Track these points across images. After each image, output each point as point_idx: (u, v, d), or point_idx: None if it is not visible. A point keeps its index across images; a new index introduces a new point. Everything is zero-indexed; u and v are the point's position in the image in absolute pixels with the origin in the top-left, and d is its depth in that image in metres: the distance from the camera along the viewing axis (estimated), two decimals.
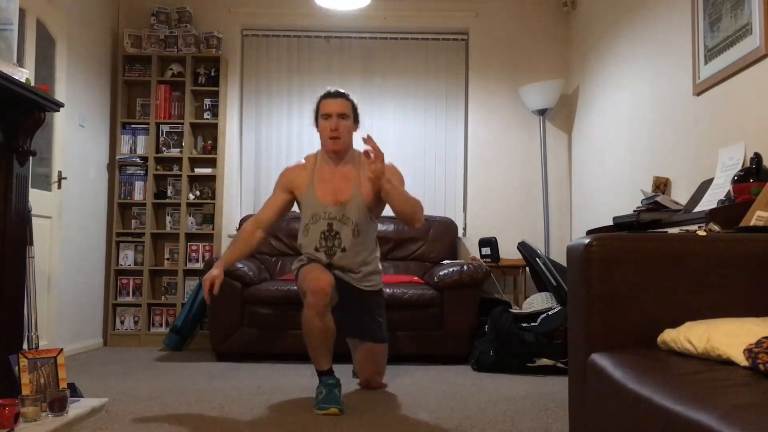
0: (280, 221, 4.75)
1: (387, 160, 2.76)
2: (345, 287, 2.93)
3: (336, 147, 2.91)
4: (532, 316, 3.75)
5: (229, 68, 5.02)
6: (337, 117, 2.90)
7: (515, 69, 5.07)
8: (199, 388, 3.12)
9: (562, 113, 5.04)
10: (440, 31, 5.14)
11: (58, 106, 2.65)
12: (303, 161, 3.06)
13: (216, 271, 2.80)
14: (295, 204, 3.09)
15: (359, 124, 3.03)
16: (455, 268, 4.00)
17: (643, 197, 2.97)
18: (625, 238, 1.70)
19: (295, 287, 3.98)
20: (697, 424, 0.96)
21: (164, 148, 4.89)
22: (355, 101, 3.02)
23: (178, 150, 4.87)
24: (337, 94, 2.95)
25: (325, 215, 2.90)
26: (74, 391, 2.58)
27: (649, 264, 1.60)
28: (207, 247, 4.86)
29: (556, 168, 5.04)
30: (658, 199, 2.86)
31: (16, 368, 2.34)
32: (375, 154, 2.64)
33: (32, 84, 2.52)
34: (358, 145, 2.91)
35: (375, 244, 3.09)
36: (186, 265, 4.82)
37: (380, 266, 3.12)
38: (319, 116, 2.94)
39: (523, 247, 4.26)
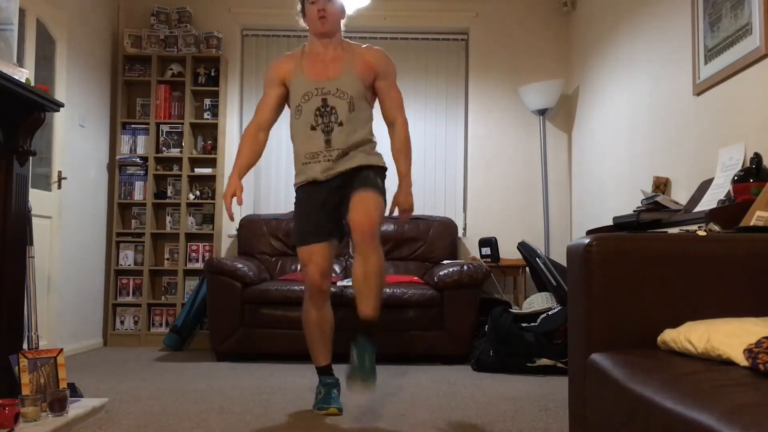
0: (285, 221, 4.76)
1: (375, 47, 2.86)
2: (340, 180, 2.74)
3: (324, 27, 2.78)
4: (532, 316, 3.75)
5: (229, 68, 5.02)
6: (323, 0, 2.78)
7: (515, 69, 5.07)
8: (199, 388, 3.12)
9: (562, 113, 5.04)
10: (440, 31, 5.14)
11: (58, 106, 2.65)
12: (287, 53, 2.97)
13: (233, 182, 2.71)
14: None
15: (345, 13, 2.92)
16: (455, 268, 4.00)
17: (643, 197, 2.97)
18: (625, 238, 1.70)
19: (295, 287, 4.02)
20: (697, 424, 0.96)
21: (164, 148, 4.89)
22: None
23: (178, 150, 4.87)
24: None
25: (317, 91, 2.76)
26: (74, 391, 2.58)
27: (649, 264, 1.60)
28: (207, 247, 4.86)
29: (556, 168, 5.04)
30: (658, 199, 2.86)
31: (16, 368, 2.34)
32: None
33: (32, 84, 2.52)
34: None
35: (371, 130, 2.89)
36: (186, 265, 4.82)
37: (377, 147, 2.88)
38: (306, 4, 2.84)
39: (523, 247, 4.26)
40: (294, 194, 2.89)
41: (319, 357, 2.76)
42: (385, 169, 2.82)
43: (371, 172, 2.75)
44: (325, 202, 2.75)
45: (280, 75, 2.86)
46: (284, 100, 2.92)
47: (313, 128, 2.76)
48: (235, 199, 2.69)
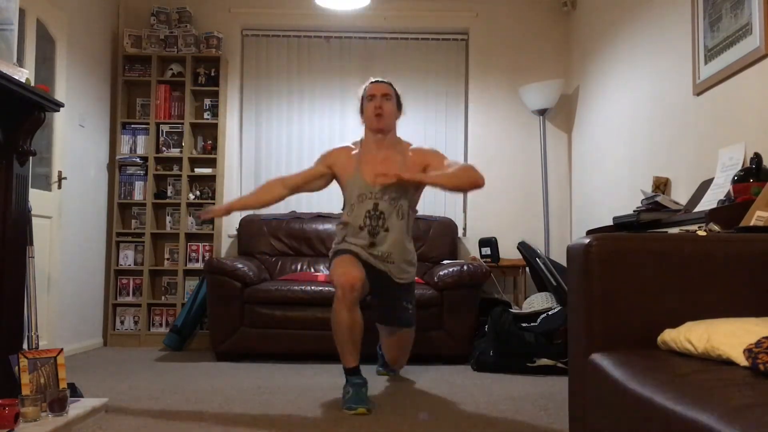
0: (285, 221, 4.76)
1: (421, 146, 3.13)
2: (378, 276, 3.00)
3: (380, 124, 3.03)
4: (532, 316, 3.75)
5: (229, 68, 5.02)
6: (381, 97, 3.05)
7: (515, 69, 5.07)
8: (199, 388, 3.12)
9: (562, 113, 5.04)
10: (440, 31, 5.14)
11: (58, 106, 2.65)
12: (348, 144, 3.18)
13: (224, 207, 3.01)
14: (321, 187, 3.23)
15: (402, 112, 3.17)
16: (455, 268, 4.00)
17: (643, 197, 2.97)
18: (625, 238, 1.70)
19: (295, 287, 4.03)
20: (697, 424, 0.96)
21: (164, 148, 4.89)
22: (399, 91, 3.17)
23: (178, 150, 4.87)
24: (382, 81, 3.14)
25: (371, 195, 2.98)
26: (74, 391, 2.58)
27: (649, 264, 1.60)
28: (207, 247, 4.86)
29: (556, 168, 5.04)
30: (658, 199, 2.86)
31: (16, 368, 2.34)
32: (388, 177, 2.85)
33: (32, 84, 2.52)
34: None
35: (411, 237, 3.14)
36: (186, 265, 4.82)
37: (416, 259, 3.19)
38: (365, 101, 3.09)
39: (523, 247, 4.26)
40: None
41: (349, 358, 2.81)
42: (413, 285, 3.19)
43: (408, 300, 3.11)
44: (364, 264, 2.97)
45: (335, 163, 3.10)
46: (323, 181, 3.16)
47: (360, 228, 3.00)
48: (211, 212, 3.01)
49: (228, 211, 3.09)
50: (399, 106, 3.14)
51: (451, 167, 2.94)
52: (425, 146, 3.22)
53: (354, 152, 3.09)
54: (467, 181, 2.90)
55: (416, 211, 3.15)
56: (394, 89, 3.13)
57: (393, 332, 3.18)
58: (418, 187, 3.05)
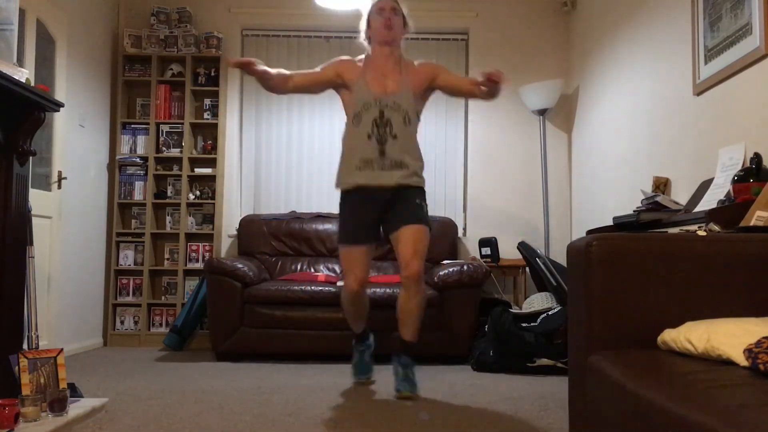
0: (285, 221, 4.76)
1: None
2: (386, 193, 3.00)
3: (389, 35, 3.06)
4: (532, 316, 3.75)
5: (230, 68, 5.02)
6: (390, 11, 3.07)
7: (515, 69, 5.06)
8: (199, 388, 3.12)
9: (562, 113, 5.04)
10: (440, 31, 5.14)
11: (58, 106, 2.65)
12: (354, 58, 3.21)
13: (254, 64, 2.93)
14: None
15: (408, 30, 3.19)
16: (455, 268, 4.00)
17: (643, 197, 2.97)
18: (625, 238, 1.70)
19: (295, 287, 4.02)
20: (697, 424, 0.96)
21: (164, 148, 4.89)
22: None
23: (178, 150, 4.87)
24: None
25: (376, 102, 3.01)
26: (74, 391, 2.58)
27: (649, 264, 1.60)
28: (207, 247, 4.86)
29: (556, 168, 5.04)
30: (658, 199, 2.86)
31: (16, 368, 2.34)
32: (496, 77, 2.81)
33: (32, 84, 2.52)
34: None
35: (419, 148, 3.14)
36: (186, 265, 4.82)
37: (423, 165, 3.16)
38: (372, 15, 3.12)
39: (523, 247, 4.26)
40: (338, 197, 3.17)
41: (355, 326, 3.26)
42: (424, 192, 3.13)
43: (420, 200, 3.06)
44: (370, 210, 3.04)
45: (343, 71, 3.12)
46: (327, 86, 3.16)
47: (369, 137, 3.00)
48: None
49: (254, 69, 2.92)
50: (405, 24, 3.17)
51: (462, 78, 3.17)
52: (427, 61, 3.25)
53: (359, 65, 3.13)
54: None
55: (420, 120, 3.15)
56: (401, 7, 3.15)
57: (406, 230, 2.98)
58: (424, 94, 3.13)
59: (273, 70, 3.07)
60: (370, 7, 3.15)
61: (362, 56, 3.18)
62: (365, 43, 3.19)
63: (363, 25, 3.18)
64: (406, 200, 3.03)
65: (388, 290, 3.89)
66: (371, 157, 2.98)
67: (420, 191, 3.08)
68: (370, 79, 3.06)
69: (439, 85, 3.11)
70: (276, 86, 3.10)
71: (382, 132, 2.99)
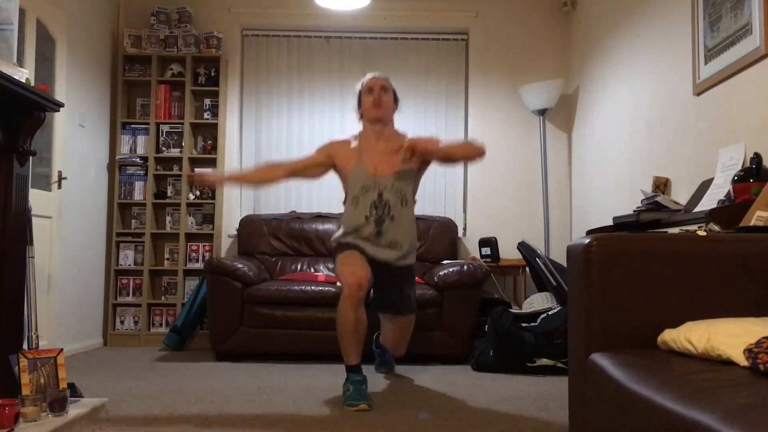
0: (285, 221, 4.76)
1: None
2: (381, 268, 3.04)
3: (378, 114, 3.10)
4: (532, 316, 3.75)
5: (229, 68, 5.02)
6: (379, 89, 3.13)
7: (515, 69, 5.07)
8: (199, 388, 3.12)
9: (562, 113, 5.04)
10: (440, 31, 5.14)
11: (58, 106, 2.64)
12: (347, 138, 3.24)
13: (221, 175, 3.09)
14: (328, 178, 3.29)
15: (398, 107, 3.26)
16: (455, 268, 4.00)
17: (643, 197, 2.97)
18: (625, 238, 1.70)
19: (295, 287, 4.03)
20: (697, 424, 0.96)
21: (164, 148, 4.89)
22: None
23: (178, 150, 4.87)
24: (379, 76, 3.22)
25: (375, 185, 3.04)
26: (74, 391, 2.58)
27: (649, 264, 1.60)
28: (207, 247, 4.86)
29: (556, 168, 5.04)
30: (658, 199, 2.86)
31: (16, 368, 2.34)
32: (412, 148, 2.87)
33: (32, 84, 2.52)
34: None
35: (415, 229, 3.24)
36: (186, 265, 4.82)
37: (417, 243, 3.29)
38: (363, 95, 3.17)
39: (523, 247, 4.26)
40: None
41: (351, 356, 2.86)
42: (414, 270, 3.27)
43: (410, 287, 3.20)
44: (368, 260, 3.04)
45: (336, 155, 3.15)
46: (320, 171, 3.18)
47: (366, 218, 3.04)
48: (204, 176, 3.05)
49: (222, 180, 3.23)
50: (396, 101, 3.23)
51: (453, 145, 3.18)
52: (423, 135, 3.32)
53: (353, 146, 3.15)
54: (474, 150, 3.06)
55: (416, 201, 3.22)
56: (390, 84, 3.22)
57: (395, 320, 3.26)
58: (419, 171, 3.14)
59: (248, 170, 3.20)
60: (360, 85, 3.22)
61: (353, 135, 3.22)
62: (359, 122, 3.24)
63: (355, 104, 3.24)
64: (401, 288, 3.16)
65: None
66: (368, 236, 3.04)
67: (411, 274, 3.22)
68: (366, 161, 3.07)
69: (431, 160, 3.14)
70: (266, 180, 3.17)
71: (380, 213, 3.03)
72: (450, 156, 3.07)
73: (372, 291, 3.16)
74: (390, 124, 3.19)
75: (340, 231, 3.16)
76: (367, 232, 3.03)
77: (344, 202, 3.17)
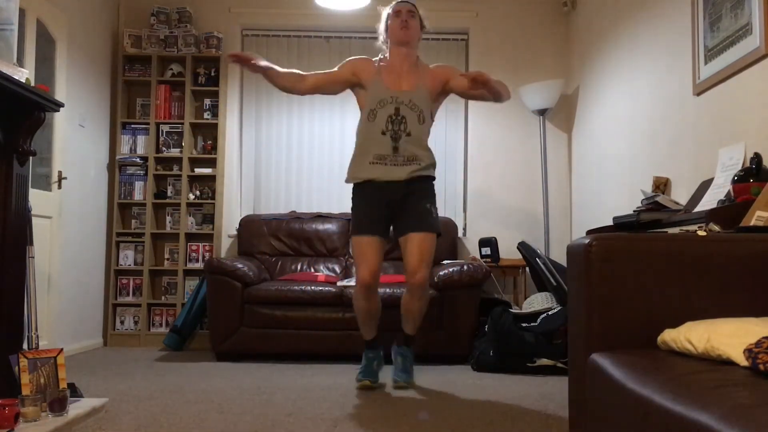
0: (285, 221, 4.76)
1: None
2: (394, 189, 3.05)
3: (405, 36, 3.12)
4: (532, 316, 3.75)
5: (229, 68, 5.01)
6: (407, 13, 3.15)
7: (515, 69, 5.07)
8: (199, 388, 3.12)
9: (562, 113, 5.04)
10: (440, 31, 5.13)
11: (58, 106, 2.65)
12: (368, 57, 3.26)
13: (255, 57, 3.03)
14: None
15: (425, 29, 3.27)
16: (455, 268, 4.00)
17: (643, 197, 2.97)
18: (625, 238, 1.70)
19: (295, 287, 4.02)
20: (697, 424, 0.96)
21: (164, 148, 4.89)
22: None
23: (178, 150, 4.87)
24: (407, 1, 3.21)
25: (392, 99, 3.06)
26: (74, 391, 2.58)
27: (649, 264, 1.60)
28: (207, 247, 4.86)
29: (556, 168, 5.04)
30: (658, 199, 2.86)
31: (16, 368, 2.34)
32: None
33: (32, 84, 2.52)
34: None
35: (430, 148, 3.21)
36: (186, 265, 4.82)
37: (435, 161, 3.24)
38: (390, 18, 3.18)
39: (523, 247, 4.26)
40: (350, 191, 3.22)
41: (366, 333, 3.21)
42: (434, 192, 3.22)
43: (430, 203, 3.14)
44: (381, 204, 3.09)
45: (358, 70, 3.19)
46: (343, 86, 3.22)
47: (383, 133, 3.05)
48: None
49: (257, 67, 3.03)
50: (422, 27, 3.24)
51: (499, 83, 3.12)
52: (443, 64, 3.38)
53: (375, 62, 3.20)
54: (507, 92, 3.07)
55: (433, 121, 3.22)
56: (418, 11, 3.22)
57: (414, 237, 3.09)
58: (440, 95, 3.18)
59: (281, 69, 3.12)
60: (388, 10, 3.23)
61: (378, 57, 3.24)
62: (384, 47, 3.26)
63: (381, 28, 3.26)
64: (417, 203, 3.10)
65: (388, 290, 3.88)
66: (385, 153, 3.04)
67: (431, 189, 3.18)
68: (386, 76, 3.12)
69: (452, 88, 3.17)
70: (291, 87, 3.16)
71: (396, 128, 3.04)
72: (496, 92, 2.99)
73: (391, 229, 3.17)
74: (415, 50, 3.19)
75: (354, 161, 3.14)
76: (383, 148, 3.04)
77: (360, 122, 3.16)
